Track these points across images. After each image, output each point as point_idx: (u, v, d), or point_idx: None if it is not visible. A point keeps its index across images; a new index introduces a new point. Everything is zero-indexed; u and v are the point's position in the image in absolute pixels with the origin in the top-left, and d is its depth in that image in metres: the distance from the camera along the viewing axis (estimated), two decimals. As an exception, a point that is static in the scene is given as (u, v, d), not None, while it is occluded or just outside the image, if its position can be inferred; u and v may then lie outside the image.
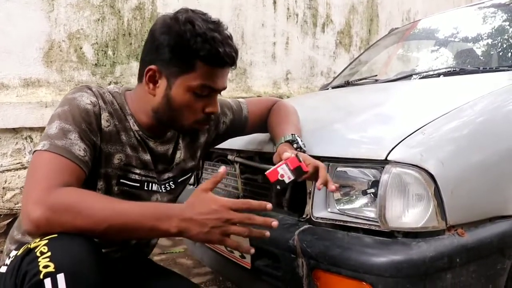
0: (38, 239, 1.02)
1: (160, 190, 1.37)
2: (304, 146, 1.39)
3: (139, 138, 1.31)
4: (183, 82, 1.20)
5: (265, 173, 1.25)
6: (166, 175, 1.40)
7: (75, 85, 3.19)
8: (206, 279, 2.43)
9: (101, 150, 1.23)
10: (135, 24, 3.47)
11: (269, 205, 1.08)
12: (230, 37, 1.22)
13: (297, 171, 1.22)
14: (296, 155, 1.24)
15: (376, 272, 1.10)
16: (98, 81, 3.30)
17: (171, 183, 1.42)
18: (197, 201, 1.07)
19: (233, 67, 1.25)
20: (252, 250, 1.12)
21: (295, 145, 1.38)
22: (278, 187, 1.25)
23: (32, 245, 1.01)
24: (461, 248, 1.16)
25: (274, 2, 4.32)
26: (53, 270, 0.94)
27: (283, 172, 1.23)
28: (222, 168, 1.13)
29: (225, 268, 1.73)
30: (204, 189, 1.08)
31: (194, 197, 1.08)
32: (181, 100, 1.22)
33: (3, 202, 2.93)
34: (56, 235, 1.01)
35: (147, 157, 1.33)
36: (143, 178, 1.33)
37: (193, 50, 1.16)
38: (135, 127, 1.30)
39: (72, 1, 3.17)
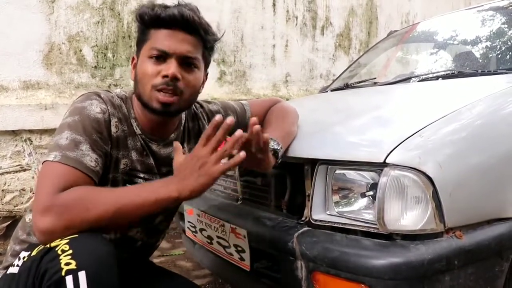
0: (59, 239, 1.03)
1: None
2: (278, 145, 1.34)
3: (142, 142, 1.32)
4: (143, 53, 1.28)
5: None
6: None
7: (75, 88, 3.20)
8: (206, 281, 2.43)
9: (111, 156, 1.25)
10: (135, 26, 3.46)
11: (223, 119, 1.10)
12: (185, 5, 1.27)
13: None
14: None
15: (375, 274, 1.11)
16: (97, 83, 3.31)
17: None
18: (180, 164, 1.14)
19: (193, 33, 1.27)
20: (243, 153, 1.09)
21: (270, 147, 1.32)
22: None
23: (53, 244, 1.03)
24: (459, 251, 1.17)
25: (274, 5, 4.33)
26: (75, 267, 0.96)
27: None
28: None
29: (224, 270, 1.73)
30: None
31: (177, 163, 1.16)
32: (141, 69, 1.27)
33: (2, 204, 2.93)
34: (76, 235, 1.03)
35: (150, 161, 1.35)
36: (147, 180, 1.34)
37: (144, 21, 1.27)
38: (138, 131, 1.32)
39: (72, 3, 3.17)
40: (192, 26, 1.25)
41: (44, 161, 1.14)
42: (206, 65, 1.38)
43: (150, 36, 1.26)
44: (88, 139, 1.16)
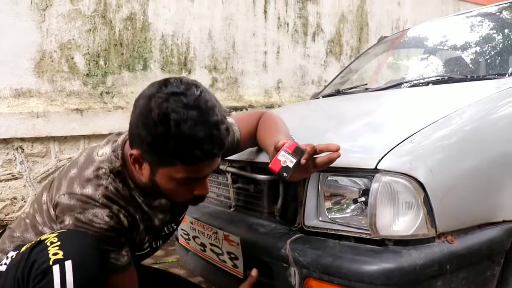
0: (48, 233, 1.10)
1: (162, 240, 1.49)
2: None
3: (146, 208, 1.33)
4: (165, 173, 1.15)
5: (268, 166, 1.22)
6: (172, 223, 1.49)
7: (67, 95, 3.19)
8: (199, 288, 2.42)
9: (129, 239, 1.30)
10: (127, 34, 3.48)
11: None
12: (214, 124, 1.10)
13: (296, 152, 1.20)
14: (291, 138, 1.23)
15: (367, 280, 1.11)
16: (89, 91, 3.30)
17: (174, 225, 1.50)
18: None
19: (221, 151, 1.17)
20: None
21: None
22: (285, 174, 1.19)
23: (42, 238, 1.09)
24: (451, 255, 1.17)
25: (265, 12, 4.35)
26: (62, 257, 1.02)
27: (285, 159, 1.20)
28: (254, 271, 1.31)
29: (218, 278, 1.73)
30: None
31: None
32: (167, 187, 1.19)
33: (-7, 213, 2.91)
34: (66, 230, 1.11)
35: (156, 221, 1.38)
36: (151, 239, 1.41)
37: (170, 153, 1.09)
38: (141, 199, 1.31)
39: (64, 11, 3.17)
40: (220, 152, 1.17)
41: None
42: None
43: (177, 165, 1.12)
44: (114, 247, 1.22)
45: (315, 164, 1.23)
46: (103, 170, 1.23)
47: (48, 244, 1.04)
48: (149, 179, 1.20)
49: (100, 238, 1.17)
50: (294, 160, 1.19)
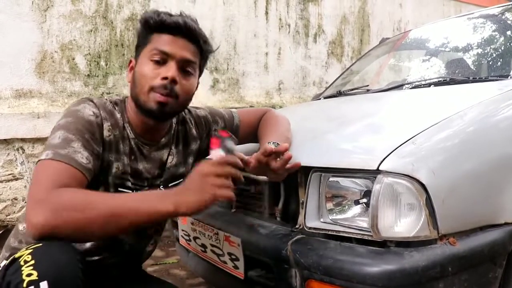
0: (24, 249, 1.02)
1: None
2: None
3: (134, 146, 1.35)
4: (143, 55, 1.31)
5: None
6: (158, 181, 1.43)
7: (68, 96, 3.19)
8: (200, 290, 2.42)
9: (103, 159, 1.26)
10: (128, 34, 3.48)
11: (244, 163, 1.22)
12: (187, 16, 1.33)
13: (224, 145, 1.24)
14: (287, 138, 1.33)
15: (369, 282, 1.10)
16: (90, 91, 3.30)
17: (161, 187, 1.44)
18: (187, 177, 1.16)
19: (194, 41, 1.32)
20: (242, 178, 1.19)
21: None
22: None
23: (17, 255, 1.02)
24: (453, 257, 1.17)
25: (266, 13, 4.35)
26: (36, 278, 0.95)
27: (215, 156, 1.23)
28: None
29: (218, 279, 1.72)
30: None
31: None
32: (140, 70, 1.30)
33: (-6, 213, 2.91)
34: (40, 244, 1.02)
35: (141, 166, 1.37)
36: (137, 186, 1.36)
37: (148, 25, 1.31)
38: (132, 135, 1.34)
39: (65, 12, 3.17)
40: (193, 34, 1.32)
41: (38, 161, 1.16)
42: (199, 74, 1.42)
43: (152, 40, 1.31)
44: (80, 138, 1.19)
45: (280, 167, 1.29)
46: (103, 100, 1.35)
47: (22, 263, 0.98)
48: (132, 76, 1.34)
49: (72, 126, 1.19)
50: (223, 152, 1.23)
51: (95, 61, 3.33)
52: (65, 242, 1.05)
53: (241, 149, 1.69)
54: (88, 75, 3.30)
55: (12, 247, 1.29)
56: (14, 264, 1.00)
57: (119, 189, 1.31)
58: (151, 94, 1.27)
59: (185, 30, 1.30)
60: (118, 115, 1.34)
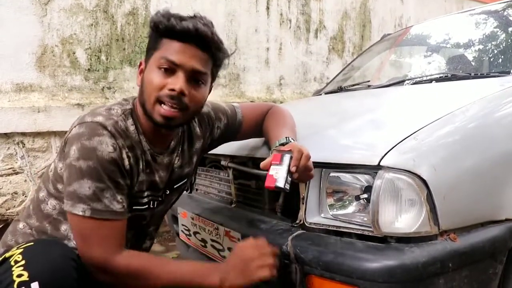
0: (15, 248, 1.01)
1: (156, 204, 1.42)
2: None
3: (150, 158, 1.32)
4: (151, 62, 1.25)
5: (265, 186, 1.22)
6: (168, 186, 1.43)
7: (68, 90, 3.18)
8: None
9: (127, 186, 1.27)
10: (129, 29, 3.47)
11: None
12: (201, 18, 1.26)
13: (283, 159, 1.22)
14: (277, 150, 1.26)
15: (369, 277, 1.10)
16: (91, 86, 3.29)
17: (167, 192, 1.44)
18: (232, 255, 1.26)
19: (205, 49, 1.26)
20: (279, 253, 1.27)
21: None
22: (281, 186, 1.19)
23: (8, 254, 1.01)
24: (454, 253, 1.17)
25: (267, 8, 4.33)
26: (27, 279, 0.94)
27: (275, 171, 1.21)
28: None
29: (218, 274, 1.72)
30: None
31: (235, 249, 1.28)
32: (148, 77, 1.25)
33: (-6, 207, 2.91)
34: (32, 243, 1.03)
35: (156, 176, 1.36)
36: (150, 198, 1.36)
37: (158, 30, 1.24)
38: (147, 146, 1.31)
39: (65, 6, 3.16)
40: (205, 42, 1.24)
41: (72, 213, 1.16)
42: (213, 80, 1.37)
43: (161, 46, 1.24)
44: (110, 184, 1.18)
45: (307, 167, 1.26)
46: (115, 110, 1.27)
47: (13, 263, 0.98)
48: (141, 81, 1.28)
49: (99, 172, 1.15)
50: (285, 168, 1.21)
51: (95, 55, 3.32)
52: (58, 241, 1.05)
53: (245, 145, 1.69)
54: (89, 69, 3.29)
55: (9, 245, 1.28)
56: (4, 264, 1.00)
57: (134, 207, 1.31)
58: (157, 107, 1.23)
59: (195, 37, 1.22)
60: (132, 128, 1.28)
